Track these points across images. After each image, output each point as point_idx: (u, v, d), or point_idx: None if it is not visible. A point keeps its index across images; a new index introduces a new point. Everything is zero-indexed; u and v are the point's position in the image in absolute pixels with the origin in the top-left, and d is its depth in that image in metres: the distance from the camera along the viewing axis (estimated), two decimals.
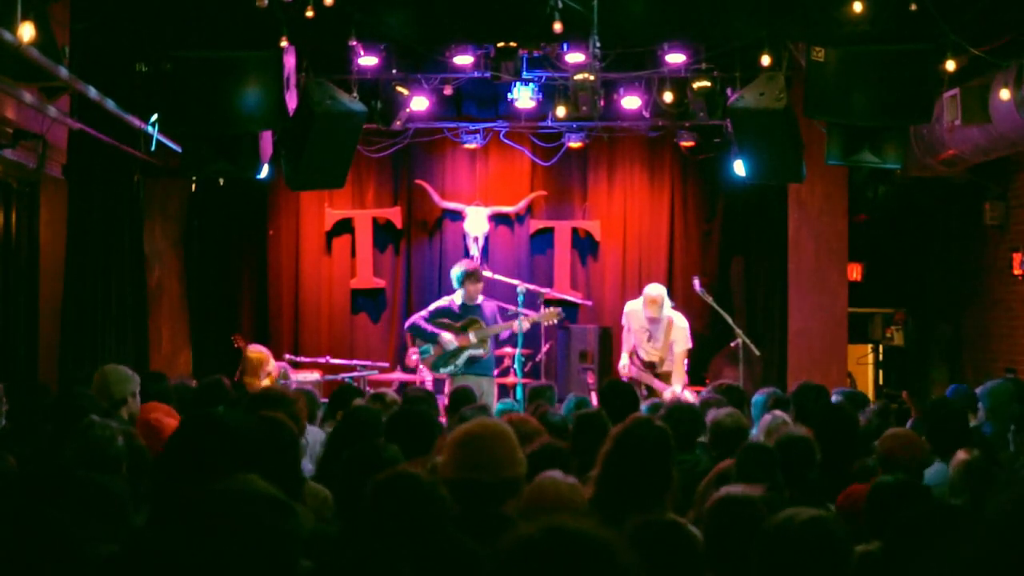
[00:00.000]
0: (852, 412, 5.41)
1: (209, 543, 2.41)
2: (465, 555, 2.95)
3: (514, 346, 9.60)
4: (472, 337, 9.14)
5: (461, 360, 9.14)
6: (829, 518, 2.82)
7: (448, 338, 9.11)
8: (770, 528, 2.72)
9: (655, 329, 9.10)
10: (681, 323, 9.16)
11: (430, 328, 9.17)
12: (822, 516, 2.77)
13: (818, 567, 2.64)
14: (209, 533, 2.42)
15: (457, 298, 9.29)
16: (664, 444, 3.71)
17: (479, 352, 9.17)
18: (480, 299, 9.33)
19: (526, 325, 9.35)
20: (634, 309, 9.29)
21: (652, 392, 8.97)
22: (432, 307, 9.39)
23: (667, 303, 9.16)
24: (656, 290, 9.19)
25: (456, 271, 9.33)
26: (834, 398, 6.78)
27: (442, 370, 9.15)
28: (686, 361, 9.18)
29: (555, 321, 9.59)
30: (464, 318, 9.21)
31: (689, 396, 8.71)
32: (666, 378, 9.08)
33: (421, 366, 9.43)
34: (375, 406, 5.70)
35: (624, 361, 9.22)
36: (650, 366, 9.09)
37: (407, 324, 9.50)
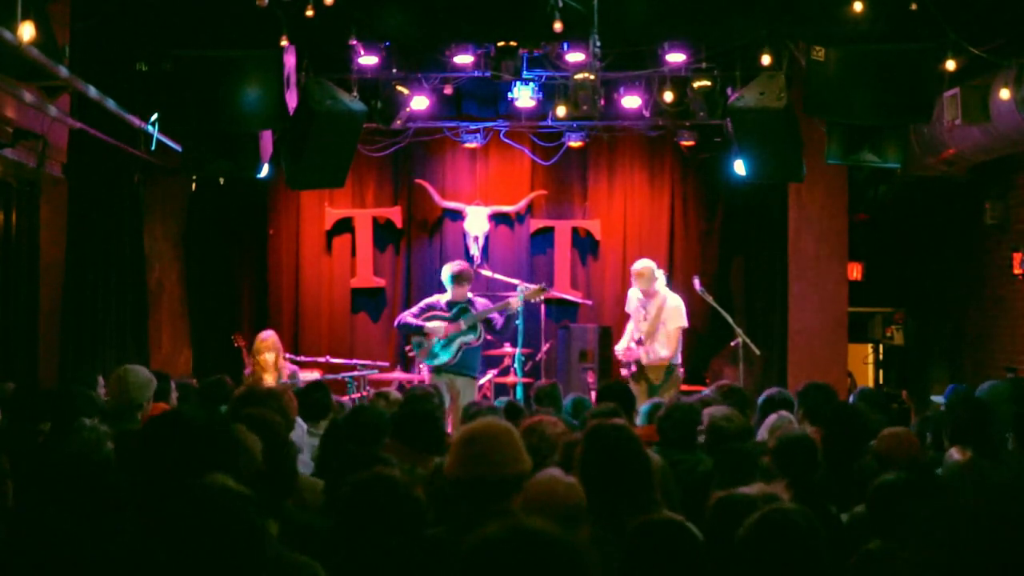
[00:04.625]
0: (862, 412, 5.35)
1: (182, 538, 2.47)
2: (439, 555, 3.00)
3: (514, 345, 9.61)
4: (462, 323, 9.05)
5: (454, 346, 9.02)
6: (793, 510, 2.84)
7: (435, 325, 9.02)
8: (749, 525, 2.76)
9: (649, 305, 9.19)
10: (674, 302, 9.25)
11: (416, 322, 9.08)
12: (782, 509, 2.81)
13: (785, 559, 2.69)
14: (182, 529, 2.49)
15: (445, 296, 9.23)
16: (626, 441, 3.70)
17: (470, 338, 9.05)
18: (469, 295, 9.25)
19: (517, 303, 9.21)
20: (631, 291, 9.48)
21: (642, 369, 9.07)
22: (421, 304, 9.36)
23: (660, 278, 9.26)
24: (641, 264, 9.33)
25: (446, 272, 9.26)
26: (852, 398, 6.76)
27: (436, 361, 9.01)
28: (680, 338, 9.19)
29: (541, 297, 9.53)
30: (453, 312, 9.15)
31: (664, 352, 8.95)
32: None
33: (420, 364, 9.40)
34: (380, 404, 5.71)
35: (622, 344, 9.29)
36: (640, 342, 9.14)
37: (396, 322, 9.41)
